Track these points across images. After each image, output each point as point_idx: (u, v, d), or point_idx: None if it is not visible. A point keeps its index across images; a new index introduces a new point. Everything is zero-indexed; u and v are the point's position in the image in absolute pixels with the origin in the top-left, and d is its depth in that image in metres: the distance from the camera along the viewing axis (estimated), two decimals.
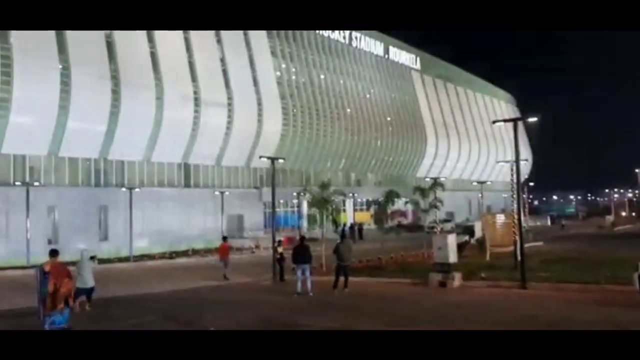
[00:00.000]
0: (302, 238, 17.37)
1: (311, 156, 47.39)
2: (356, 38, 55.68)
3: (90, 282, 13.84)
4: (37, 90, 28.95)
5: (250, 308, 13.80)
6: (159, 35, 35.23)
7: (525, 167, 72.46)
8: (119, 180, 34.34)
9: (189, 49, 37.56)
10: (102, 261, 26.27)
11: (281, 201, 42.79)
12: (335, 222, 36.70)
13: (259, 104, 41.92)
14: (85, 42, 30.73)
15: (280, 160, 25.47)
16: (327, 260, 19.85)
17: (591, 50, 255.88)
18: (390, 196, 25.39)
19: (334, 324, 10.76)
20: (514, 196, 19.66)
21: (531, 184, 69.31)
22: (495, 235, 24.49)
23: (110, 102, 32.28)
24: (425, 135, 62.44)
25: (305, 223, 42.45)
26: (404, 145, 58.73)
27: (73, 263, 14.17)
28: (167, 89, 35.17)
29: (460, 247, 21.60)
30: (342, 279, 15.73)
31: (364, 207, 53.36)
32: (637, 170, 68.69)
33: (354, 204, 52.36)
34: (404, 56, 63.33)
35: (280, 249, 19.72)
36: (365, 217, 50.21)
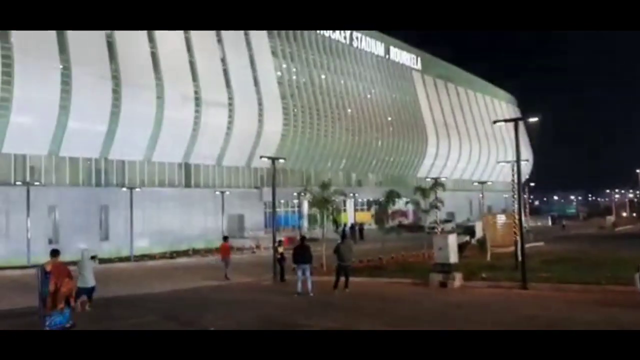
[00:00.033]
0: (303, 238, 17.34)
1: (312, 156, 47.38)
2: (357, 38, 55.66)
3: (91, 282, 13.83)
4: (38, 90, 28.96)
5: (251, 308, 13.79)
6: (160, 35, 35.24)
7: (526, 168, 72.42)
8: (119, 180, 34.35)
9: (189, 48, 37.57)
10: (102, 261, 26.26)
11: (282, 201, 42.79)
12: (335, 222, 36.68)
13: (260, 104, 41.92)
14: (86, 42, 30.74)
15: (281, 160, 25.46)
16: (328, 260, 19.84)
17: (591, 50, 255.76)
18: (391, 196, 25.37)
19: (334, 324, 10.74)
20: (515, 196, 19.63)
21: (532, 184, 69.42)
22: (496, 235, 24.46)
23: (111, 102, 32.29)
24: (426, 135, 62.42)
25: (305, 223, 42.44)
26: (404, 146, 58.71)
27: (74, 263, 14.17)
28: (167, 88, 35.17)
29: (461, 247, 21.57)
30: (342, 279, 15.71)
31: (365, 207, 53.35)
32: (638, 171, 68.57)
33: (355, 204, 52.34)
34: (404, 56, 63.32)
35: (280, 249, 19.71)
36: (366, 217, 50.20)
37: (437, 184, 30.74)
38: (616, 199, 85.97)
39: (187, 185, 38.73)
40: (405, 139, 58.73)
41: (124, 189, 30.95)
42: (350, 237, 32.29)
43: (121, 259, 29.22)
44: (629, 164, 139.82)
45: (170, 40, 35.88)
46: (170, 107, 35.13)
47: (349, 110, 52.00)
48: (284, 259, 19.29)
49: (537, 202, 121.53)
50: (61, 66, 30.41)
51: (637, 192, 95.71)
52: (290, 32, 46.96)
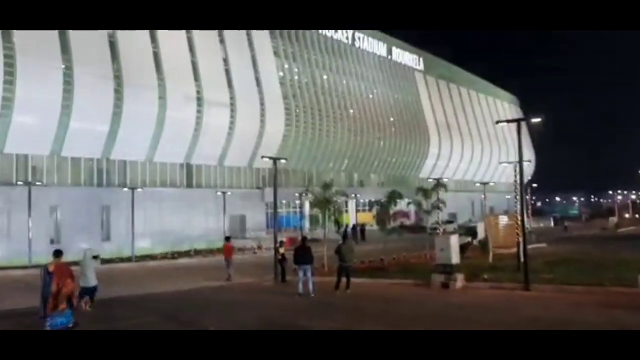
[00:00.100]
0: (304, 239, 17.32)
1: (314, 157, 47.36)
2: (359, 39, 55.64)
3: (93, 282, 13.85)
4: (40, 90, 29.01)
5: (252, 309, 13.76)
6: (162, 35, 35.27)
7: (529, 169, 72.33)
8: (121, 181, 34.37)
9: (192, 49, 37.60)
10: (104, 261, 26.30)
11: (283, 202, 42.78)
12: (337, 223, 36.70)
13: (262, 104, 41.92)
14: (88, 42, 30.78)
15: (283, 161, 25.42)
16: (329, 261, 19.79)
17: (591, 50, 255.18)
18: (393, 197, 25.31)
19: (335, 325, 10.69)
20: (518, 197, 19.55)
21: (534, 185, 69.14)
22: (498, 236, 24.32)
23: (113, 102, 32.33)
24: (429, 136, 62.36)
25: (307, 224, 42.45)
26: (407, 146, 58.66)
27: (75, 263, 14.15)
28: (169, 89, 35.19)
29: (463, 248, 21.51)
30: (344, 280, 15.65)
31: (367, 208, 53.31)
32: None
33: (357, 205, 52.33)
34: (407, 57, 63.28)
35: (282, 250, 19.68)
36: (368, 218, 50.16)
37: (439, 184, 30.61)
38: (619, 200, 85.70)
39: (189, 185, 38.74)
40: (407, 139, 58.68)
41: (126, 189, 30.97)
42: (352, 238, 32.23)
43: (123, 260, 29.19)
44: (632, 165, 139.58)
45: (172, 40, 35.91)
46: (173, 107, 35.15)
47: (351, 111, 51.98)
48: (285, 259, 19.25)
49: (539, 204, 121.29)
50: (63, 66, 30.46)
51: None
52: (293, 32, 46.98)
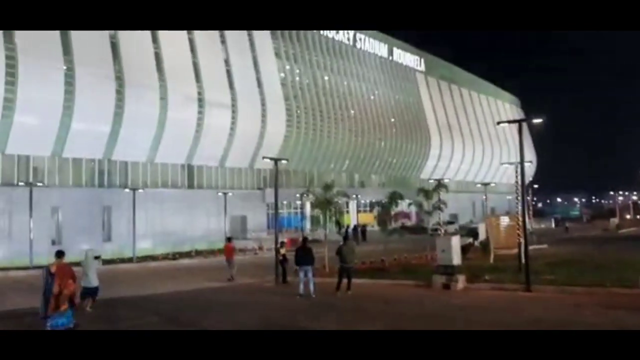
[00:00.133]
0: (305, 239, 17.31)
1: (315, 157, 47.36)
2: (360, 39, 55.64)
3: (94, 282, 13.89)
4: (41, 91, 29.03)
5: (253, 309, 13.76)
6: (164, 36, 35.30)
7: (530, 169, 72.27)
8: (122, 181, 34.38)
9: (193, 49, 37.62)
10: (105, 262, 26.34)
11: (284, 202, 42.79)
12: (338, 224, 36.72)
13: (263, 105, 41.94)
14: (89, 43, 30.81)
15: (284, 161, 25.42)
16: (330, 261, 19.78)
17: (591, 50, 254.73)
18: (394, 198, 25.25)
19: (336, 326, 10.69)
20: (519, 198, 19.53)
21: (535, 186, 69.03)
22: (499, 237, 24.30)
23: (114, 103, 32.35)
24: (429, 136, 62.35)
25: (308, 224, 42.44)
26: (407, 147, 58.64)
27: (76, 264, 14.15)
28: (171, 89, 35.21)
29: (464, 249, 21.49)
30: (345, 280, 15.63)
31: (367, 208, 53.27)
32: None
33: (357, 206, 52.35)
34: (408, 58, 63.28)
35: (282, 251, 19.68)
36: (369, 219, 50.11)
37: (440, 185, 30.58)
38: (620, 201, 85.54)
39: (190, 186, 38.75)
40: (408, 140, 58.67)
41: (127, 190, 31.02)
42: (353, 238, 32.24)
43: (123, 260, 29.22)
44: (633, 165, 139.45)
45: (173, 41, 35.93)
46: (174, 108, 35.18)
47: (352, 112, 51.98)
48: (286, 260, 19.25)
49: (540, 204, 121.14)
50: (65, 67, 30.50)
51: None
52: (294, 33, 47.00)
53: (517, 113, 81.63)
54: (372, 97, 55.84)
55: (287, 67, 46.39)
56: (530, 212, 49.55)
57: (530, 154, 73.10)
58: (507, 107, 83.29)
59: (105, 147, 32.90)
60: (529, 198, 53.31)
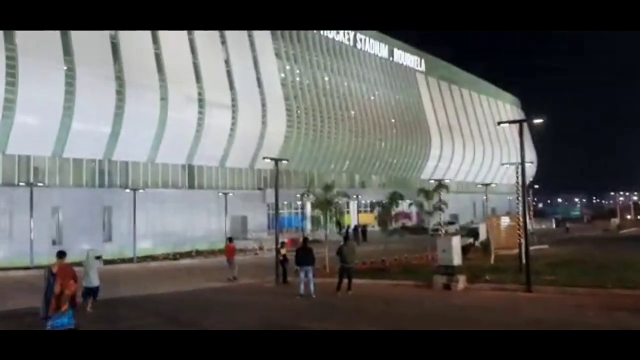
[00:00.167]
0: (305, 240, 17.31)
1: (315, 157, 47.35)
2: (360, 40, 55.63)
3: (95, 282, 13.94)
4: (42, 91, 29.01)
5: (253, 310, 13.76)
6: (164, 36, 35.30)
7: (530, 170, 72.25)
8: (123, 181, 34.37)
9: (193, 50, 37.61)
10: (105, 262, 26.36)
11: (285, 202, 42.77)
12: (339, 224, 36.69)
13: (263, 105, 41.93)
14: (90, 43, 30.80)
15: (284, 162, 25.42)
16: (331, 262, 19.78)
17: (591, 50, 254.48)
18: (394, 198, 25.27)
19: (336, 326, 10.67)
20: (519, 198, 19.52)
21: (536, 186, 69.01)
22: (499, 237, 24.30)
23: (115, 103, 32.34)
24: (430, 137, 62.32)
25: (308, 225, 42.41)
26: (408, 147, 58.63)
27: (77, 264, 14.14)
28: (171, 90, 35.21)
29: (465, 249, 21.47)
30: (345, 281, 15.63)
31: (368, 208, 53.27)
32: None
33: (358, 206, 52.34)
34: (408, 58, 63.25)
35: (283, 251, 19.67)
36: (369, 219, 50.10)
37: (440, 185, 30.62)
38: (620, 201, 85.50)
39: (191, 186, 38.74)
40: (408, 140, 58.65)
41: (128, 190, 31.02)
42: (353, 238, 32.23)
43: (124, 260, 29.23)
44: (633, 165, 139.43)
45: (174, 41, 35.93)
46: (174, 108, 35.17)
47: (353, 112, 51.97)
48: (287, 260, 19.24)
49: (540, 205, 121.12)
50: (65, 67, 30.47)
51: None
52: (294, 33, 46.99)
53: (517, 113, 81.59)
54: (372, 98, 55.82)
55: (288, 67, 46.39)
56: (531, 213, 49.55)
57: (530, 154, 73.10)
58: (507, 107, 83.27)
59: (106, 147, 32.89)
60: (529, 198, 53.30)
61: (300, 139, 45.15)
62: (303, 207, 43.53)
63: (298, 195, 38.50)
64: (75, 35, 30.43)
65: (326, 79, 50.24)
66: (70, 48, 30.59)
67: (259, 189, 43.09)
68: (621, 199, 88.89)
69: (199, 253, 33.06)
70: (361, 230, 42.70)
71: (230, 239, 22.82)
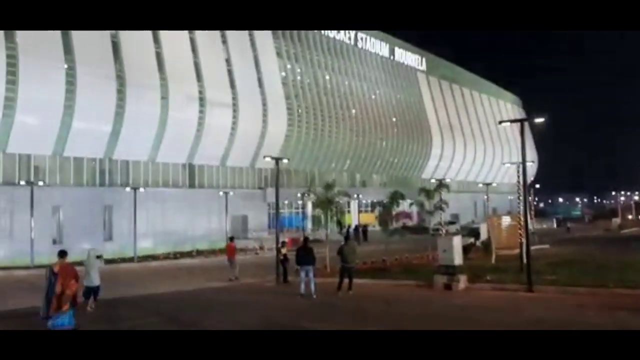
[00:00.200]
0: (306, 239, 17.28)
1: (316, 157, 47.32)
2: (361, 39, 55.56)
3: (96, 281, 13.93)
4: (42, 90, 29.01)
5: (253, 309, 13.74)
6: (165, 35, 35.27)
7: (531, 169, 72.17)
8: (123, 181, 34.36)
9: (194, 49, 37.59)
10: (106, 261, 26.35)
11: (285, 202, 42.75)
12: (339, 224, 36.66)
13: (264, 104, 41.90)
14: (90, 42, 30.79)
15: (285, 161, 25.39)
16: (331, 261, 19.75)
17: (591, 50, 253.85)
18: (395, 197, 25.24)
19: (337, 326, 10.63)
20: (520, 198, 19.49)
21: (537, 186, 68.93)
22: (500, 237, 24.27)
23: (116, 102, 32.32)
24: (431, 136, 62.27)
25: (309, 224, 42.39)
26: (409, 147, 58.58)
27: (77, 263, 14.13)
28: (172, 89, 35.19)
29: (466, 249, 21.44)
30: (346, 280, 15.61)
31: (369, 208, 53.23)
32: None
33: (359, 205, 52.29)
34: (409, 57, 63.17)
35: (283, 250, 19.65)
36: (370, 219, 50.07)
37: (441, 185, 30.60)
38: (621, 201, 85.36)
39: (191, 185, 38.73)
40: (409, 140, 58.60)
41: (128, 189, 30.99)
42: (354, 238, 32.20)
43: (125, 260, 29.23)
44: (634, 165, 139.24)
45: (175, 40, 35.90)
46: (175, 107, 35.15)
47: (354, 111, 51.92)
48: (287, 260, 19.22)
49: (542, 204, 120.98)
50: (66, 66, 30.46)
51: None
52: (295, 32, 46.94)
53: (518, 113, 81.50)
54: (373, 97, 55.77)
55: (289, 66, 46.35)
56: (532, 212, 49.48)
57: (531, 154, 73.01)
58: (508, 106, 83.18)
59: (107, 147, 32.88)
60: (530, 198, 53.23)
61: (301, 138, 45.12)
62: (304, 206, 43.51)
63: (299, 195, 38.48)
64: (76, 35, 30.41)
65: (327, 78, 50.20)
66: (70, 47, 30.58)
67: (260, 188, 43.07)
68: (622, 198, 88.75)
69: (199, 252, 33.06)
70: (362, 230, 42.67)
71: (231, 239, 22.81)
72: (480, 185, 47.74)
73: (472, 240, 27.88)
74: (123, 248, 30.83)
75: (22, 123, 28.77)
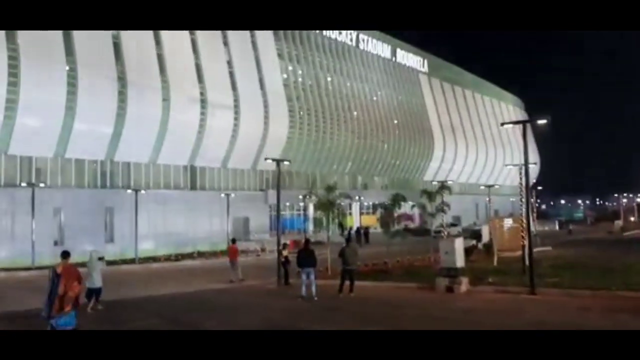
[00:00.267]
0: (307, 241, 17.23)
1: (317, 159, 47.28)
2: (363, 40, 55.53)
3: (98, 283, 13.92)
4: (44, 92, 29.02)
5: (254, 311, 13.69)
6: (166, 37, 35.30)
7: (533, 171, 72.02)
8: (125, 182, 34.37)
9: (195, 51, 37.61)
10: (107, 263, 26.15)
11: (287, 204, 42.71)
12: (341, 226, 36.59)
13: (265, 106, 41.89)
14: (92, 44, 30.83)
15: (286, 163, 25.35)
16: (333, 264, 19.69)
17: (593, 50, 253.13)
18: (397, 199, 25.14)
19: (337, 328, 10.58)
20: (523, 200, 19.42)
21: (539, 188, 68.79)
22: (502, 239, 24.24)
23: (117, 104, 32.34)
24: (433, 138, 62.20)
25: (311, 226, 42.36)
26: (411, 149, 58.52)
27: (79, 265, 14.11)
28: (173, 91, 35.20)
29: (468, 251, 21.38)
30: (347, 283, 15.56)
31: (370, 210, 53.14)
32: None
33: (360, 208, 52.22)
34: (411, 59, 63.14)
35: (285, 252, 19.61)
36: (372, 221, 49.97)
37: (443, 187, 30.47)
38: (624, 203, 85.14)
39: (193, 187, 38.72)
40: (411, 142, 58.54)
41: (129, 191, 31.01)
42: (356, 240, 32.13)
43: (126, 261, 29.21)
44: (637, 167, 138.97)
45: (176, 42, 35.93)
46: (176, 109, 35.15)
47: (355, 113, 51.88)
48: (289, 262, 19.17)
49: (544, 206, 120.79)
50: (67, 68, 30.49)
51: None
52: (296, 34, 46.95)
53: (520, 114, 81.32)
54: (375, 99, 55.74)
55: (290, 68, 46.35)
56: (534, 214, 49.33)
57: (533, 156, 72.87)
58: (510, 108, 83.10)
59: (108, 148, 32.90)
60: (532, 200, 53.07)
61: (302, 140, 45.09)
62: (305, 208, 43.46)
63: (300, 197, 38.44)
64: (77, 36, 30.45)
65: (329, 79, 50.18)
66: (72, 49, 30.61)
67: (261, 190, 43.05)
68: (624, 201, 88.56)
69: (200, 254, 33.02)
70: (363, 232, 42.59)
71: (233, 240, 22.78)
72: (482, 187, 47.70)
73: (474, 242, 27.79)
74: (124, 250, 30.82)
75: (23, 125, 28.80)
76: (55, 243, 29.11)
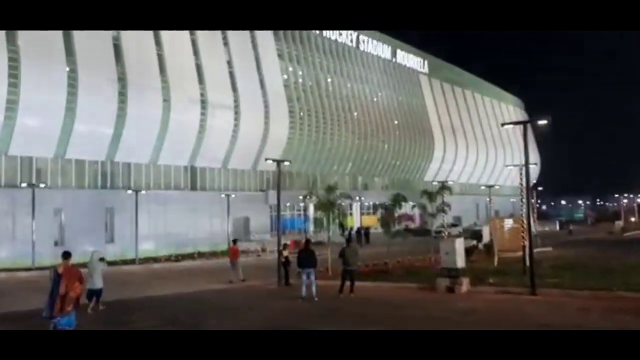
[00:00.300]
0: (308, 242, 17.22)
1: (318, 159, 47.27)
2: (363, 41, 55.54)
3: (98, 284, 13.91)
4: (44, 93, 29.04)
5: (255, 312, 13.67)
6: (166, 37, 35.31)
7: (534, 171, 71.98)
8: (125, 183, 34.37)
9: (196, 51, 37.61)
10: (108, 263, 26.22)
11: (287, 204, 42.71)
12: (342, 226, 36.62)
13: (266, 106, 41.89)
14: (92, 45, 30.84)
15: (287, 163, 25.34)
16: (333, 264, 19.69)
17: (593, 50, 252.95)
18: (397, 200, 25.14)
19: (337, 329, 10.57)
20: (523, 200, 19.40)
21: (540, 188, 68.72)
22: (503, 240, 24.19)
23: (117, 105, 32.34)
24: (433, 138, 62.19)
25: (311, 226, 42.36)
26: (411, 149, 58.51)
27: (79, 265, 14.10)
28: (173, 91, 35.21)
29: (468, 252, 21.36)
30: (348, 283, 15.56)
31: (371, 210, 53.13)
32: None
33: (361, 208, 52.20)
34: (411, 59, 63.14)
35: (285, 253, 19.60)
36: (372, 221, 49.98)
37: (443, 187, 30.48)
38: (624, 204, 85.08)
39: (193, 188, 38.71)
40: (411, 142, 58.53)
41: (130, 191, 31.00)
42: (356, 240, 32.13)
43: (126, 262, 29.19)
44: (638, 168, 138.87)
45: (176, 42, 35.94)
46: (177, 109, 35.16)
47: (355, 114, 51.88)
48: (289, 262, 19.16)
49: (544, 207, 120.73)
50: (67, 68, 30.49)
51: None
52: (297, 34, 46.96)
53: (520, 115, 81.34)
54: (375, 99, 55.73)
55: (290, 68, 46.35)
56: (535, 215, 49.29)
57: (534, 156, 72.87)
58: (510, 109, 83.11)
59: (108, 149, 32.90)
60: (533, 200, 53.04)
61: (302, 140, 45.09)
62: (306, 208, 43.44)
63: (301, 197, 38.44)
64: (78, 37, 30.46)
65: (329, 80, 50.19)
66: (72, 49, 30.61)
67: (262, 190, 43.05)
68: (625, 201, 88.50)
69: (201, 255, 33.00)
70: (364, 233, 42.59)
71: (234, 241, 22.79)
72: (483, 187, 47.67)
73: (474, 242, 27.79)
74: (124, 250, 30.81)
75: (23, 125, 28.81)
76: (56, 243, 29.12)
